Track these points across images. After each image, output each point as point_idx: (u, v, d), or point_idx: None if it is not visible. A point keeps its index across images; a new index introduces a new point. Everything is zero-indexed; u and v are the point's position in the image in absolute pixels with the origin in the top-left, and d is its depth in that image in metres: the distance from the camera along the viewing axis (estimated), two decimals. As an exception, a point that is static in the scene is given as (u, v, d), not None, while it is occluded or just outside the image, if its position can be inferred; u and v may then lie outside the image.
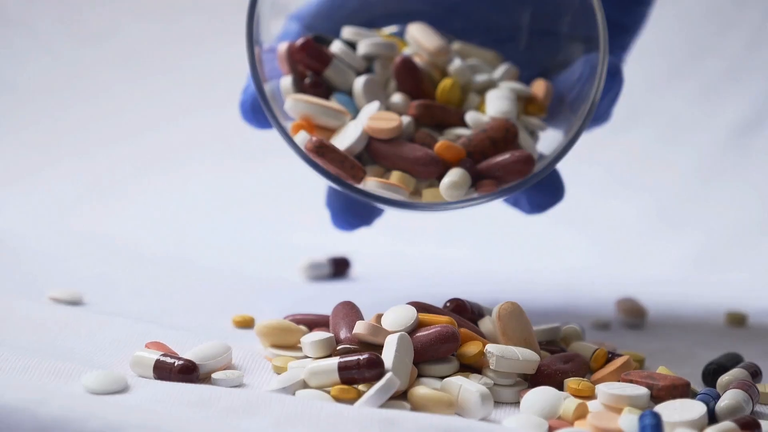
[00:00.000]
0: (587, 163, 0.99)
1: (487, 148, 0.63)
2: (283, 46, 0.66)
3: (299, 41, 0.65)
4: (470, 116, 0.65)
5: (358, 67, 0.67)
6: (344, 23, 0.69)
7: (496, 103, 0.65)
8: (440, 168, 0.63)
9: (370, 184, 0.62)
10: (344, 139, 0.63)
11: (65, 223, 0.98)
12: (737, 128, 1.11)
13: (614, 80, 0.65)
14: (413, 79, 0.66)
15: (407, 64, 0.66)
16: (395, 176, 0.62)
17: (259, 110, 0.65)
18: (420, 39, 0.68)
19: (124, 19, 1.22)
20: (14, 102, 1.17)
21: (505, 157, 0.63)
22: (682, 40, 1.17)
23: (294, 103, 0.63)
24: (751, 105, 1.12)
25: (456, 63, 0.68)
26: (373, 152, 0.63)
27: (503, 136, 0.64)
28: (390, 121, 0.62)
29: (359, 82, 0.65)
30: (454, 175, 0.62)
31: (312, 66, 0.65)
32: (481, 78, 0.68)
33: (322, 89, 0.65)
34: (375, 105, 0.64)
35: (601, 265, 0.94)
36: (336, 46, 0.67)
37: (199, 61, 1.18)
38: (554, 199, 0.68)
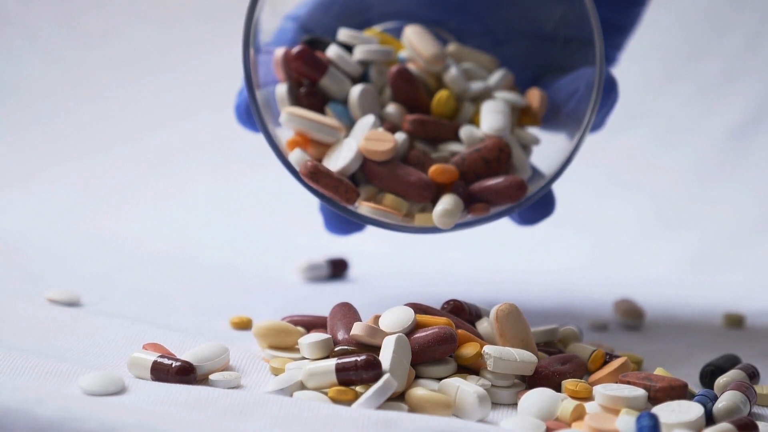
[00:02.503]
0: (585, 164, 0.99)
1: (480, 168, 0.63)
2: (279, 53, 0.65)
3: (295, 49, 0.65)
4: (464, 131, 0.65)
5: (353, 72, 0.66)
6: (340, 22, 0.69)
7: (490, 118, 0.65)
8: (434, 192, 0.63)
9: (363, 209, 0.62)
10: (338, 160, 0.62)
11: (63, 224, 0.98)
12: (734, 130, 1.11)
13: (610, 96, 0.65)
14: (408, 89, 0.66)
15: (403, 74, 0.66)
16: (388, 199, 0.62)
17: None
18: (416, 45, 0.67)
19: (123, 22, 1.22)
20: (12, 103, 1.17)
21: (498, 181, 0.63)
22: (679, 41, 1.17)
23: (289, 118, 0.63)
24: (748, 106, 1.12)
25: (452, 72, 0.67)
26: (368, 173, 0.63)
27: (497, 156, 0.63)
28: (385, 143, 0.62)
29: (354, 93, 0.65)
30: (446, 203, 0.62)
31: (308, 75, 0.65)
32: (476, 86, 0.68)
33: (317, 99, 0.65)
34: (370, 119, 0.64)
35: (598, 266, 0.94)
36: (332, 51, 0.66)
37: (199, 63, 1.18)
38: (544, 215, 0.68)
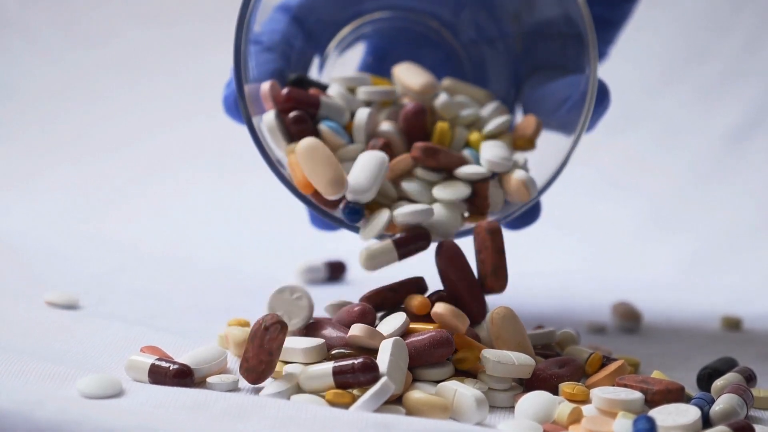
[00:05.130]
0: (582, 166, 0.99)
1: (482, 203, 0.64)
2: (265, 87, 0.64)
3: (284, 92, 0.64)
4: (464, 170, 0.65)
5: (355, 109, 0.66)
6: (332, 12, 0.69)
7: (493, 151, 0.65)
8: None
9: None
10: (376, 227, 0.63)
11: (63, 225, 0.98)
12: (732, 132, 1.11)
13: (602, 104, 0.65)
14: (421, 126, 0.66)
15: (419, 114, 0.66)
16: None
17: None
18: (405, 79, 0.68)
19: (123, 24, 1.22)
20: (12, 105, 1.17)
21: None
22: (677, 43, 1.18)
23: (292, 170, 0.63)
24: (746, 109, 1.12)
25: (441, 99, 0.67)
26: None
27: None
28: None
29: (361, 116, 0.65)
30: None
31: (306, 111, 0.64)
32: (467, 112, 0.68)
33: (307, 125, 0.64)
34: (378, 156, 0.63)
35: (596, 269, 0.94)
36: (335, 90, 0.66)
37: (198, 65, 1.18)
38: (529, 222, 0.68)
